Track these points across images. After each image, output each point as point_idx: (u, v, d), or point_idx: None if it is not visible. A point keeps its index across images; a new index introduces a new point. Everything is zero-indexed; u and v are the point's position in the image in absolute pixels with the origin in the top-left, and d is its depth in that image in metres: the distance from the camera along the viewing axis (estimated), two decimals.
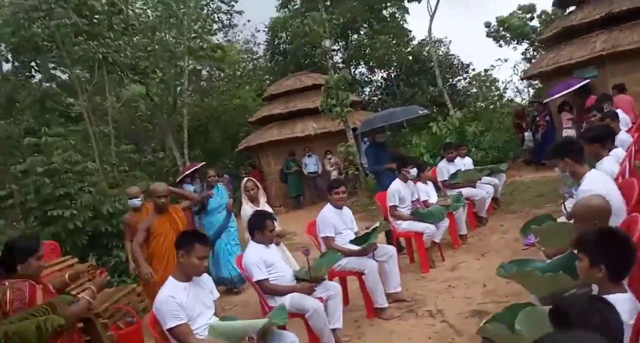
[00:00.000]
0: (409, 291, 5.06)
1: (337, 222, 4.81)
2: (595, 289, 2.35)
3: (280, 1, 22.59)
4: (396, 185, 5.88)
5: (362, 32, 22.29)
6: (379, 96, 22.33)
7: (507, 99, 23.38)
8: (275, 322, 3.25)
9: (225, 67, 21.45)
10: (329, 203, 4.94)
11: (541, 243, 3.41)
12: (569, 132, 9.97)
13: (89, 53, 10.10)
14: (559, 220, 4.19)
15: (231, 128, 20.89)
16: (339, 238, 4.77)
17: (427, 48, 21.55)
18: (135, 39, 14.01)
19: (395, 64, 21.72)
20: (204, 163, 15.19)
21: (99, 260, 6.69)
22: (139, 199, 5.44)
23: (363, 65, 22.78)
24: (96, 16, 10.84)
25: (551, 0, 13.01)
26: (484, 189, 7.12)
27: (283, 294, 3.81)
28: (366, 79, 23.61)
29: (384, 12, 21.67)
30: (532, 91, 24.68)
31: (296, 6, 22.38)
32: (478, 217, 7.11)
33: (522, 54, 24.66)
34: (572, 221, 3.83)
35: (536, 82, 24.47)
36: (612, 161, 4.36)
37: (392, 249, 4.91)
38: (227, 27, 19.23)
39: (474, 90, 23.49)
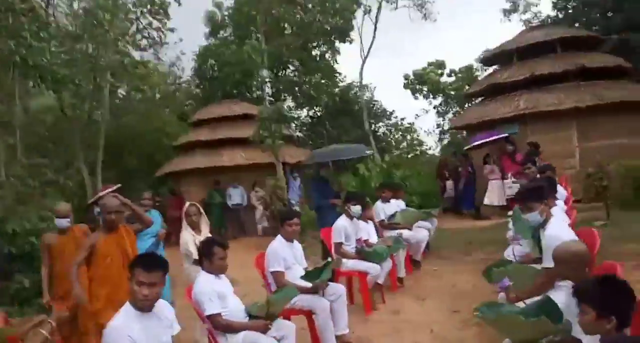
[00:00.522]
0: (354, 333, 4.82)
1: (288, 256, 4.52)
2: (588, 337, 2.29)
3: (209, 29, 22.41)
4: (342, 221, 5.72)
5: (291, 68, 22.53)
6: (304, 133, 22.43)
7: (426, 149, 24.43)
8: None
9: (145, 87, 20.64)
10: (279, 236, 4.64)
11: (514, 286, 3.37)
12: (493, 183, 10.49)
13: (4, 52, 9.16)
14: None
15: (148, 151, 19.91)
16: (289, 273, 4.47)
17: (354, 91, 22.21)
18: (53, 44, 13.05)
19: (322, 102, 22.04)
20: (119, 185, 14.23)
21: None
22: (68, 220, 4.79)
23: (291, 100, 22.89)
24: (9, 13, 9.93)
25: (454, 59, 13.93)
26: (420, 233, 7.15)
27: (236, 331, 3.44)
28: (293, 114, 23.74)
29: (315, 51, 22.14)
30: (444, 143, 26.17)
31: (226, 35, 22.32)
32: (413, 260, 7.09)
33: (434, 107, 26.12)
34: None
35: (446, 136, 26.14)
36: (561, 211, 4.51)
37: (341, 288, 4.68)
38: (157, 44, 18.50)
39: (396, 136, 24.34)
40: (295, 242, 4.73)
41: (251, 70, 19.12)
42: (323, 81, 21.58)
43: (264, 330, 3.49)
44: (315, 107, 23.04)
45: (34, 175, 10.38)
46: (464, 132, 15.82)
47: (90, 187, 15.62)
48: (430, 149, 25.44)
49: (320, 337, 4.29)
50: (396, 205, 7.47)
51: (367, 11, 19.98)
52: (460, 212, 12.13)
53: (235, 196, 13.60)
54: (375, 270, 5.51)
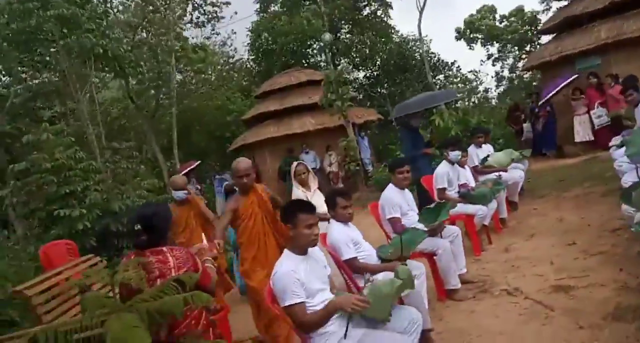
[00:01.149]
0: (470, 273, 4.90)
1: (402, 203, 4.63)
2: None
3: (259, 4, 22.48)
4: (444, 167, 5.76)
5: (345, 29, 22.28)
6: (364, 94, 22.28)
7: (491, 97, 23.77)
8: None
9: (205, 69, 21.08)
10: (390, 184, 4.75)
11: None
12: (580, 118, 10.13)
13: (87, 45, 9.63)
14: None
15: (214, 129, 20.48)
16: (405, 219, 4.59)
17: (413, 44, 21.73)
18: (115, 33, 13.50)
19: (379, 61, 21.74)
20: (199, 162, 14.86)
21: (109, 262, 6.28)
22: (185, 192, 5.07)
23: (347, 63, 22.73)
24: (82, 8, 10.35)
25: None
26: (516, 173, 7.06)
27: (374, 272, 3.59)
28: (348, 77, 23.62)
29: (367, 9, 21.74)
30: (502, 89, 25.31)
31: (275, 8, 22.36)
32: (511, 202, 7.03)
33: (489, 56, 25.17)
34: None
35: (502, 83, 25.14)
36: None
37: (457, 229, 4.76)
38: (214, 18, 18.76)
39: (459, 86, 23.73)
40: (406, 190, 4.82)
41: (305, 38, 19.19)
42: (378, 39, 21.24)
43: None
44: (372, 67, 22.76)
45: (124, 158, 11.01)
46: (537, 74, 15.21)
47: (166, 169, 16.34)
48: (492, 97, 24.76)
49: (443, 277, 4.41)
50: (487, 149, 7.42)
51: None
52: (542, 153, 11.80)
53: (308, 161, 13.82)
54: (483, 212, 5.54)
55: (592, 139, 10.18)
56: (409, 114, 7.10)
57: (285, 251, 2.92)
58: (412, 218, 4.63)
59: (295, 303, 2.68)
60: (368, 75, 23.36)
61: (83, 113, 11.22)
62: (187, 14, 16.76)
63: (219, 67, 24.14)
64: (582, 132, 10.32)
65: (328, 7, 17.78)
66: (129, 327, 1.90)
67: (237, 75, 24.32)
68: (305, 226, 2.83)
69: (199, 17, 17.64)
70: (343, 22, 21.48)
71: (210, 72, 22.84)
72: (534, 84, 11.45)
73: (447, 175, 5.67)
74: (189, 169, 13.78)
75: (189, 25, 16.80)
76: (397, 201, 4.59)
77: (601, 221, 5.65)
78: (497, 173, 6.62)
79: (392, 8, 21.26)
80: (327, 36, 13.47)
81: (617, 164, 5.66)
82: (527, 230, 6.09)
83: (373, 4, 21.35)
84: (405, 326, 2.85)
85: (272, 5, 22.64)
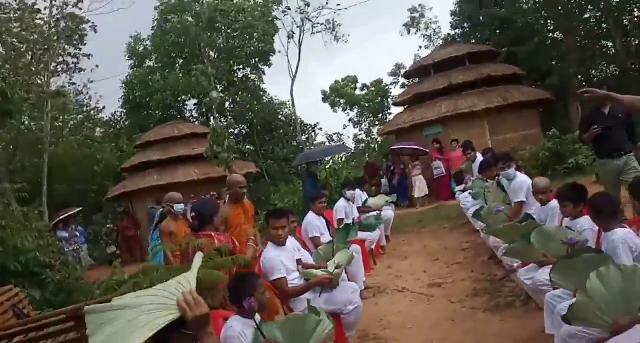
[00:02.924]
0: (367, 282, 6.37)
1: (320, 225, 6.00)
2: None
3: (134, 61, 23.06)
4: (342, 203, 7.30)
5: (220, 88, 23.74)
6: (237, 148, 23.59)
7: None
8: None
9: (61, 116, 20.72)
10: (310, 212, 6.11)
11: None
12: (418, 178, 12.60)
13: None
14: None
15: (84, 178, 20.00)
16: (323, 239, 5.94)
17: (280, 107, 23.89)
18: None
19: (250, 120, 23.40)
20: (81, 208, 14.70)
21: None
22: (183, 206, 5.30)
23: (221, 120, 24.01)
24: None
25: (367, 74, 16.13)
26: (389, 212, 8.89)
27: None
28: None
29: (241, 72, 23.58)
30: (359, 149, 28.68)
31: (150, 64, 23.15)
32: (386, 235, 8.78)
33: (350, 120, 28.57)
34: None
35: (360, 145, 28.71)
36: None
37: (359, 247, 6.22)
38: (71, 70, 18.56)
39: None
40: (322, 217, 6.21)
41: (179, 94, 20.25)
42: (250, 100, 23.03)
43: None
44: (242, 125, 24.28)
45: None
46: (392, 137, 18.11)
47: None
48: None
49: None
50: (360, 195, 9.18)
51: (291, 36, 21.92)
52: (397, 204, 14.08)
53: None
54: (372, 238, 7.12)
55: (427, 193, 12.63)
56: (310, 161, 8.64)
57: (269, 243, 4.07)
58: (326, 239, 6.00)
59: (279, 278, 3.83)
60: (238, 133, 24.86)
61: None
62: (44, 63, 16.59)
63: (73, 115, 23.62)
64: (420, 189, 12.73)
65: (214, 67, 19.13)
66: (210, 272, 2.96)
67: (99, 127, 24.08)
68: (273, 228, 4.01)
69: (57, 65, 17.60)
70: (216, 81, 22.95)
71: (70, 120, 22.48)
72: (391, 147, 13.88)
73: (345, 209, 7.20)
74: (67, 214, 13.71)
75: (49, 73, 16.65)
76: (317, 224, 5.95)
77: (454, 245, 7.60)
78: (376, 212, 8.35)
79: (264, 74, 23.39)
80: (214, 94, 14.74)
81: (462, 203, 7.74)
82: (401, 254, 7.83)
83: (247, 68, 23.25)
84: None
85: (147, 61, 23.31)
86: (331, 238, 5.94)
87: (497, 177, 6.00)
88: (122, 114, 23.42)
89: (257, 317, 2.67)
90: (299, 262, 4.23)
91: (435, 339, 4.17)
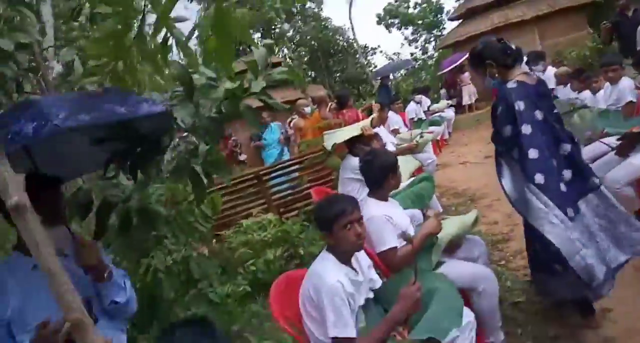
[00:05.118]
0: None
1: (399, 121, 8.04)
2: None
3: None
4: (412, 106, 9.29)
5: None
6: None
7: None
8: None
9: None
10: (390, 111, 8.13)
11: None
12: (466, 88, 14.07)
13: None
14: None
15: None
16: (401, 130, 8.00)
17: (346, 35, 25.42)
18: None
19: (314, 47, 25.13)
20: None
21: None
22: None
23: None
24: None
25: None
26: (449, 113, 10.79)
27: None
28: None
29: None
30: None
31: None
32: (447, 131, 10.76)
33: (405, 38, 29.53)
34: None
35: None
36: None
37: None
38: None
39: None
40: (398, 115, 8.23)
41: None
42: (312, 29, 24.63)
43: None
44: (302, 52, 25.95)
45: None
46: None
47: None
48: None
49: None
50: (425, 102, 11.08)
51: None
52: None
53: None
54: (438, 130, 9.10)
55: (476, 98, 14.09)
56: (383, 76, 10.55)
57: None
58: (403, 130, 8.04)
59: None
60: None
61: None
62: None
63: None
64: (469, 96, 14.10)
65: None
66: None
67: None
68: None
69: None
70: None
71: None
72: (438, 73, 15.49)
73: (414, 110, 9.20)
74: None
75: None
76: (396, 119, 7.98)
77: None
78: (438, 114, 10.30)
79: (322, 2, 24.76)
80: (286, 25, 16.55)
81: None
82: (462, 143, 9.86)
83: None
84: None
85: None
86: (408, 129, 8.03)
87: None
88: None
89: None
90: None
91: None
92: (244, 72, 2.40)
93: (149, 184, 2.62)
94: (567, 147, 2.64)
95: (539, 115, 2.59)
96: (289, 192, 6.08)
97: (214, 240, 5.22)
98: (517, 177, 2.65)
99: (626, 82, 4.53)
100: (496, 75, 2.81)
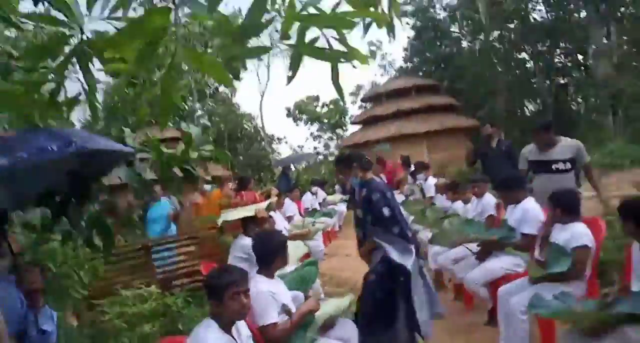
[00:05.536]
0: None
1: (294, 209, 8.39)
2: None
3: None
4: (309, 196, 9.73)
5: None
6: None
7: None
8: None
9: None
10: (287, 199, 8.48)
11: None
12: None
13: None
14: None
15: None
16: (295, 218, 8.33)
17: (255, 122, 26.31)
18: None
19: (221, 129, 25.59)
20: None
21: None
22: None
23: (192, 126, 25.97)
24: None
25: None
26: (342, 207, 11.37)
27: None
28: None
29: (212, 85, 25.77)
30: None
31: None
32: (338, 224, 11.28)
33: (311, 134, 31.28)
34: None
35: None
36: None
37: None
38: None
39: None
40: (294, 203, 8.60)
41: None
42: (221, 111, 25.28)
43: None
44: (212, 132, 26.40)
45: None
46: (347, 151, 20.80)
47: None
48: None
49: None
50: (322, 193, 11.68)
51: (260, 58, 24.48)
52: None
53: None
54: (329, 222, 9.55)
55: None
56: (286, 165, 11.07)
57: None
58: (297, 219, 8.39)
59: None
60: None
61: None
62: None
63: None
64: None
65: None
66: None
67: None
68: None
69: None
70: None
71: None
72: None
73: (310, 200, 9.65)
74: None
75: None
76: (292, 207, 8.33)
77: None
78: (331, 207, 10.84)
79: (236, 89, 25.75)
80: (197, 106, 16.88)
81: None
82: (350, 237, 10.26)
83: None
84: None
85: None
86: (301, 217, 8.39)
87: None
88: None
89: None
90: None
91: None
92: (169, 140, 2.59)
93: (47, 242, 2.63)
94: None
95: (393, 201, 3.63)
96: (174, 267, 6.03)
97: (88, 308, 4.97)
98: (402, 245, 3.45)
99: (489, 198, 5.22)
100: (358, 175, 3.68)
